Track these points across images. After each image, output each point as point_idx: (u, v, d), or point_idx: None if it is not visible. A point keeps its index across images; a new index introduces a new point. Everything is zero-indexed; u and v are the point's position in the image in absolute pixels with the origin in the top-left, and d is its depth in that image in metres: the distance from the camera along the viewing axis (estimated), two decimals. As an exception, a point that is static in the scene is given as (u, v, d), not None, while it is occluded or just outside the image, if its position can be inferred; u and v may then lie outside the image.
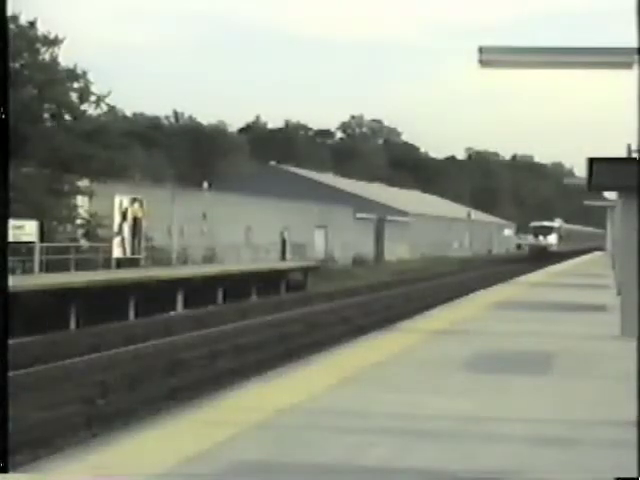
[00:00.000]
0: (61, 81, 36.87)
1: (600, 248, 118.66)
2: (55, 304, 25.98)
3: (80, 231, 37.45)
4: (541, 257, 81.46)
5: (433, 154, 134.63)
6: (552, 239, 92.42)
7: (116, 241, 35.90)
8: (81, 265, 33.90)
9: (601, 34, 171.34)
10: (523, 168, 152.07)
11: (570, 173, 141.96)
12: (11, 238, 26.62)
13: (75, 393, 16.39)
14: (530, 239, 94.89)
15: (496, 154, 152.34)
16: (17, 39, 33.95)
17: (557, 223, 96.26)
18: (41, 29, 36.67)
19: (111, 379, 17.73)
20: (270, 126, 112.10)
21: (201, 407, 10.12)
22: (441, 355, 14.42)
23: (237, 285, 38.15)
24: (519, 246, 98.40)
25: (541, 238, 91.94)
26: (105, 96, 37.49)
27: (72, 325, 26.71)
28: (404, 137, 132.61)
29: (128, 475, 7.16)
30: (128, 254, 36.72)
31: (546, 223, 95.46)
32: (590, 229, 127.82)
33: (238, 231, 49.46)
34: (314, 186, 78.80)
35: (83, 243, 36.98)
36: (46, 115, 37.20)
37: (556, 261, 69.06)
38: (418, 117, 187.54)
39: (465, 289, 38.75)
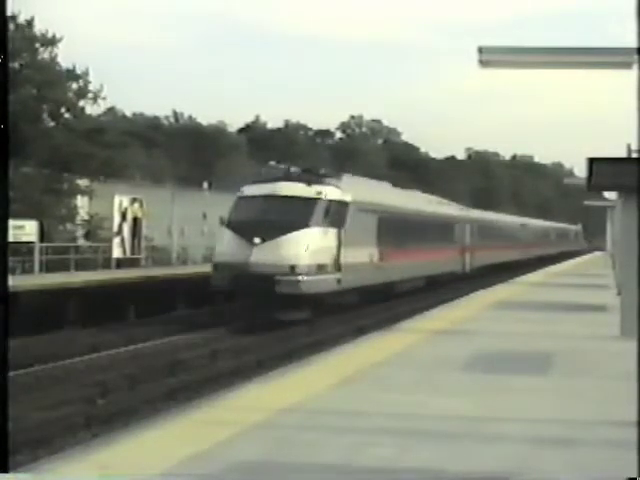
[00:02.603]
0: (60, 81, 36.88)
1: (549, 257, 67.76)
2: (54, 304, 25.92)
3: (80, 231, 37.47)
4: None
5: (433, 154, 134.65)
6: (298, 253, 24.89)
7: (116, 241, 35.86)
8: (81, 265, 33.90)
9: (601, 34, 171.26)
10: (523, 168, 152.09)
11: (570, 173, 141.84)
12: (11, 238, 26.62)
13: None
14: (227, 245, 25.93)
15: (496, 154, 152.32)
16: (16, 39, 33.97)
17: (345, 182, 28.89)
18: (40, 29, 36.74)
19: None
20: (270, 126, 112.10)
21: (200, 407, 10.13)
22: (441, 355, 14.41)
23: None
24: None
25: (257, 241, 24.76)
26: (100, 91, 37.53)
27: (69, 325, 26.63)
28: (404, 137, 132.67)
29: (128, 475, 7.16)
30: (128, 254, 36.68)
31: (294, 187, 26.67)
32: (520, 220, 71.95)
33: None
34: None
35: (83, 243, 37.00)
36: (45, 114, 37.21)
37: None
38: (418, 117, 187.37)
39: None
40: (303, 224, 25.58)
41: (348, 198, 27.59)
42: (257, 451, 7.90)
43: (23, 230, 30.23)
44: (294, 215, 25.76)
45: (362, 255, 28.59)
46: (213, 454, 7.72)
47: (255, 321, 24.88)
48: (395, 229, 32.36)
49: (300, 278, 24.65)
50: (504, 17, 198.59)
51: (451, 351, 14.83)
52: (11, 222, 26.98)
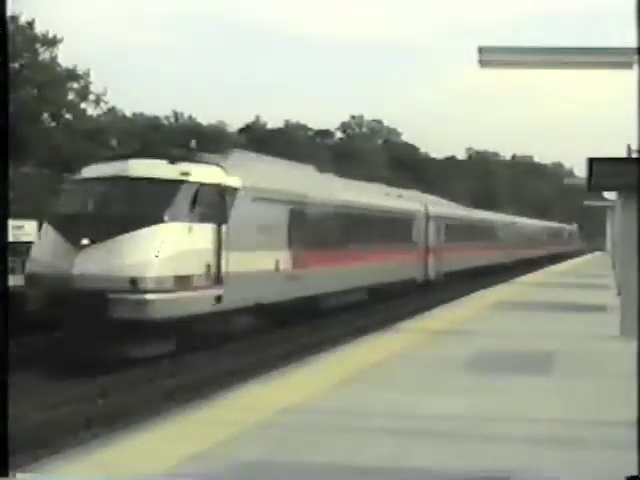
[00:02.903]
0: (61, 81, 36.94)
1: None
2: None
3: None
4: None
5: (433, 154, 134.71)
6: (144, 260, 16.85)
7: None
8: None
9: (601, 34, 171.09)
10: (523, 168, 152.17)
11: (570, 173, 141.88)
12: (11, 238, 26.63)
13: None
14: (44, 248, 18.02)
15: (496, 154, 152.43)
16: (17, 39, 34.02)
17: (235, 161, 21.13)
18: (40, 29, 36.81)
19: None
20: (270, 126, 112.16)
21: (200, 407, 10.13)
22: (441, 355, 14.41)
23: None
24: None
25: (85, 243, 17.31)
26: (103, 94, 37.64)
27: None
28: (404, 137, 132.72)
29: (128, 475, 7.16)
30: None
31: (149, 165, 18.46)
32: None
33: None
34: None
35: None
36: (46, 115, 37.27)
37: None
38: (418, 117, 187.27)
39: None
40: (155, 218, 17.29)
41: (236, 182, 19.49)
42: (257, 451, 7.89)
43: (23, 230, 30.23)
44: (143, 205, 17.64)
45: (262, 261, 20.49)
46: (213, 454, 7.72)
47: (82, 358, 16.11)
48: (320, 226, 24.39)
49: (147, 297, 16.49)
50: (504, 17, 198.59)
51: (451, 351, 14.83)
52: (11, 222, 27.00)
